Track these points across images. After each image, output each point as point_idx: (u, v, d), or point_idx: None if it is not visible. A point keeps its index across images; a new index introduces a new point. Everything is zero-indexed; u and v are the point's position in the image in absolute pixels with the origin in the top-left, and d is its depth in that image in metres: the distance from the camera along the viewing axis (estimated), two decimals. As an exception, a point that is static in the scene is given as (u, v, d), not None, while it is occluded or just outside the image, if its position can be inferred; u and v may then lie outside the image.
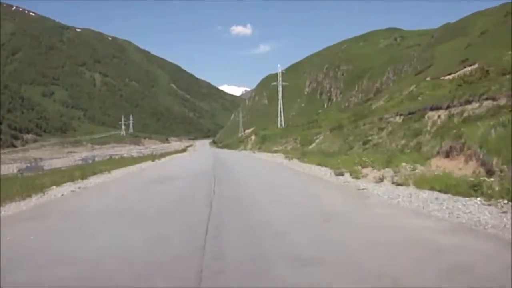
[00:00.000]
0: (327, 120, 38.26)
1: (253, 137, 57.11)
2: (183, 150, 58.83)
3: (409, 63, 67.98)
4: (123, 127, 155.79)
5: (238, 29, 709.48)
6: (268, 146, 41.05)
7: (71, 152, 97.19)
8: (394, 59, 74.41)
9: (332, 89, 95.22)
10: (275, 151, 33.42)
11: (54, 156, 79.10)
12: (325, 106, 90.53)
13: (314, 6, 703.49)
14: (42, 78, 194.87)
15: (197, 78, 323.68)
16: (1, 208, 8.28)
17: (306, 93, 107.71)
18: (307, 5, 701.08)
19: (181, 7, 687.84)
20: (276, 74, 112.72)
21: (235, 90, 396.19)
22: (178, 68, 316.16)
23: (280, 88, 67.86)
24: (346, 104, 74.20)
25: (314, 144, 27.96)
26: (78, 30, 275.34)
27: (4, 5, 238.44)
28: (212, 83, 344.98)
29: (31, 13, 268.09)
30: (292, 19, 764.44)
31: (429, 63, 52.40)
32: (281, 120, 65.91)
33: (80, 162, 52.26)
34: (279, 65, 69.59)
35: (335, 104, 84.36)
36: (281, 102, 67.17)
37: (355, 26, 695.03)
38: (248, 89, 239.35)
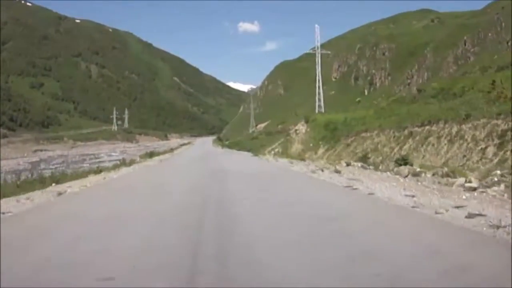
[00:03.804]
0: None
1: (301, 127, 30.88)
2: (152, 155, 30.22)
3: (494, 30, 50.50)
4: (114, 121, 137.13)
5: (245, 26, 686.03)
6: (373, 154, 14.70)
7: (41, 150, 78.45)
8: (468, 28, 55.09)
9: (374, 71, 74.81)
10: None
11: (9, 156, 60.24)
12: (366, 92, 70.58)
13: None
14: (32, 68, 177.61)
15: (201, 72, 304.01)
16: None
17: (334, 79, 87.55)
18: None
19: (188, 1, 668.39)
20: (291, 61, 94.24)
21: (241, 88, 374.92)
22: (181, 61, 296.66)
23: (318, 60, 47.58)
24: (400, 87, 54.53)
25: None
26: (77, 21, 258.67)
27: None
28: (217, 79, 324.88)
29: (27, 3, 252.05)
30: (300, 16, 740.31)
31: None
32: (320, 106, 45.94)
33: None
34: (316, 25, 49.52)
35: (388, 85, 64.35)
36: (320, 78, 47.11)
37: (369, 13, 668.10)
38: (254, 87, 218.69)
